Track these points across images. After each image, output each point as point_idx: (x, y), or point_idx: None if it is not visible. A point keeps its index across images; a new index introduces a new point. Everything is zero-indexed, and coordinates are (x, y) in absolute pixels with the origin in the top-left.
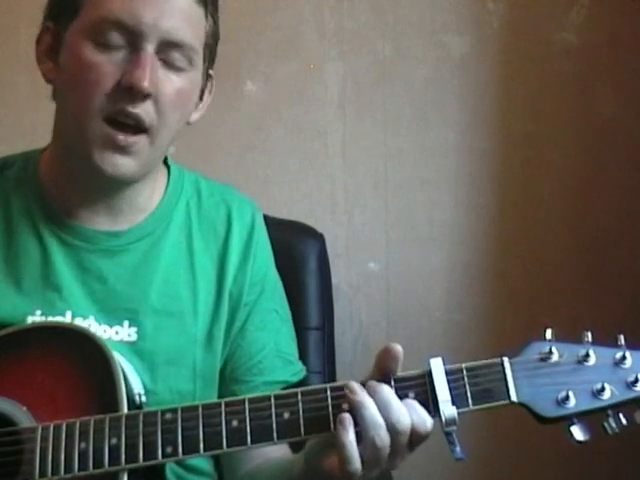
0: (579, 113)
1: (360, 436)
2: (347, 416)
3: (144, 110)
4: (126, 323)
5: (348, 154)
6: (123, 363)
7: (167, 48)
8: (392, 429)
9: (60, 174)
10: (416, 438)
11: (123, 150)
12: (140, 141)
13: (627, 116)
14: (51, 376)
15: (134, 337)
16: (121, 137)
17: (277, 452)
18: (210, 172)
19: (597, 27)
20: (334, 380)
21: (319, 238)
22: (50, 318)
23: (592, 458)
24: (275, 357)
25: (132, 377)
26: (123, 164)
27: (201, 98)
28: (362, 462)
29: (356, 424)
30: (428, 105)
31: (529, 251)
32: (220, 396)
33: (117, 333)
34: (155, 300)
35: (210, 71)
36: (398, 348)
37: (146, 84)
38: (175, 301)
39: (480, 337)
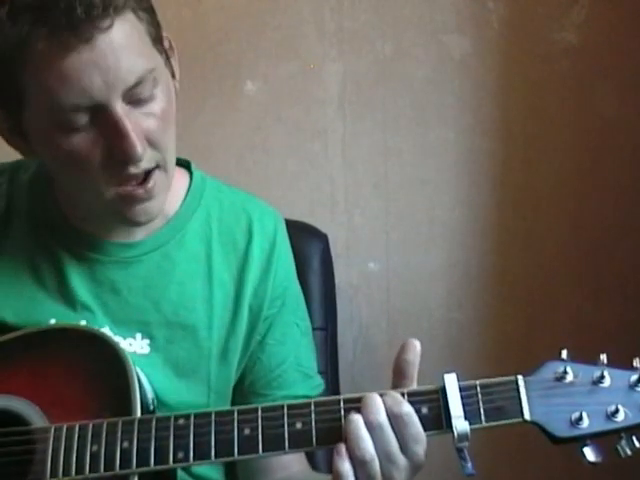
0: (579, 113)
1: None
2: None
3: (147, 160)
4: (139, 335)
5: (348, 154)
6: (137, 370)
7: (131, 91)
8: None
9: (75, 198)
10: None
11: (148, 198)
12: (157, 180)
13: (627, 116)
14: (65, 377)
15: (147, 349)
16: (141, 191)
17: (298, 466)
18: (210, 172)
19: (597, 27)
20: (337, 380)
21: (322, 238)
22: None
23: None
24: (295, 371)
25: (145, 384)
26: (152, 207)
27: (173, 76)
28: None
29: None
30: (428, 105)
31: (529, 251)
32: None
33: (130, 345)
34: (168, 312)
35: (166, 48)
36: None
37: (139, 150)
38: (189, 313)
39: (480, 337)
